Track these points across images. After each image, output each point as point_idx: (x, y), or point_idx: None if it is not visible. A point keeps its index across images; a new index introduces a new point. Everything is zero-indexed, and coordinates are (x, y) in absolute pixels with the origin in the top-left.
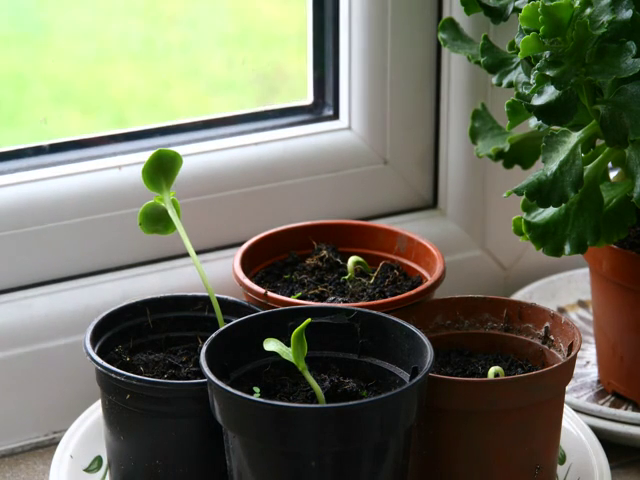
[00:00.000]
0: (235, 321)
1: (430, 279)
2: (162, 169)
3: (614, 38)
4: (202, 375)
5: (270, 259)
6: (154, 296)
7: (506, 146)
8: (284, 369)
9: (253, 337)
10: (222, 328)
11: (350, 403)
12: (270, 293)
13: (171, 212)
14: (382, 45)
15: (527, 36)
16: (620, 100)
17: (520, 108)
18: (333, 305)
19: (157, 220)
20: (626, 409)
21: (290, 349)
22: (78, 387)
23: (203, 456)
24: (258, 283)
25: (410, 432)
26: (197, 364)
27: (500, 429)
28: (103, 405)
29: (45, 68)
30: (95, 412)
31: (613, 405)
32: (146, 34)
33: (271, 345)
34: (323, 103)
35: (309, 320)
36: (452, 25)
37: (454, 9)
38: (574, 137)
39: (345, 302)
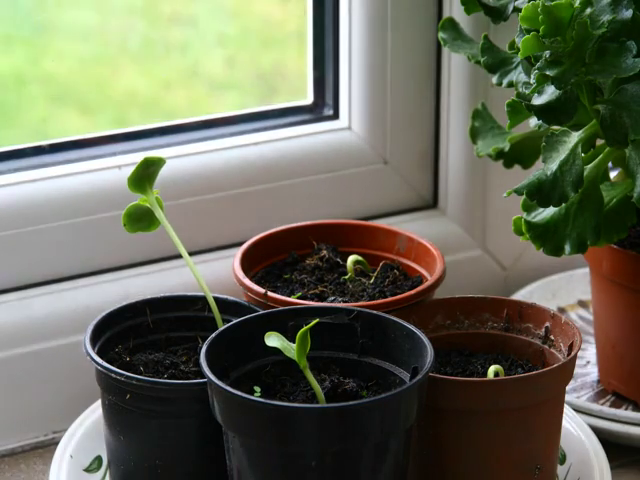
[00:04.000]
0: (235, 321)
1: (430, 279)
2: (146, 173)
3: (614, 38)
4: (202, 375)
5: (270, 259)
6: (154, 296)
7: (506, 146)
8: (284, 369)
9: (253, 337)
10: (222, 328)
11: (350, 403)
12: (270, 293)
13: (158, 212)
14: (382, 45)
15: (527, 36)
16: (620, 100)
17: (520, 108)
18: (333, 305)
19: (140, 219)
20: (626, 409)
21: (291, 345)
22: (78, 387)
23: (203, 456)
24: (258, 283)
25: (410, 432)
26: (197, 364)
27: (500, 429)
28: (103, 405)
29: (45, 68)
30: (95, 412)
31: (613, 405)
32: (146, 34)
33: (273, 340)
34: (323, 103)
35: (317, 320)
36: (452, 25)
37: (454, 9)
38: (574, 137)
39: (345, 302)
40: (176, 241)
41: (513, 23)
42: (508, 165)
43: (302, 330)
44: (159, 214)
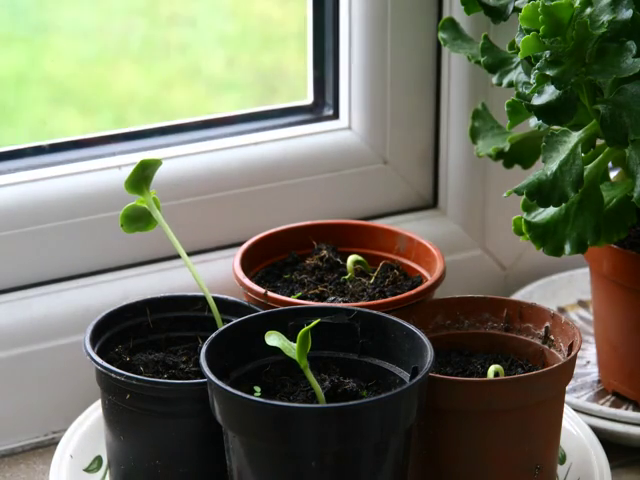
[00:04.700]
0: (235, 321)
1: (430, 279)
2: (143, 175)
3: (614, 38)
4: (202, 375)
5: (270, 259)
6: (154, 296)
7: (506, 146)
8: (284, 369)
9: (253, 337)
10: (222, 328)
11: (350, 403)
12: (270, 293)
13: (155, 213)
14: (382, 45)
15: (527, 36)
16: (620, 100)
17: (520, 108)
18: (333, 305)
19: (137, 219)
20: (626, 409)
21: (292, 345)
22: (78, 387)
23: (203, 456)
24: (258, 283)
25: (410, 432)
26: (197, 364)
27: (500, 429)
28: (103, 405)
29: (45, 68)
30: (95, 412)
31: (613, 405)
32: (146, 34)
33: (273, 339)
34: (323, 103)
35: (318, 320)
36: (452, 25)
37: (454, 9)
38: (574, 137)
39: (345, 302)
40: (174, 241)
41: (513, 23)
42: (508, 165)
43: (303, 330)
44: (156, 215)
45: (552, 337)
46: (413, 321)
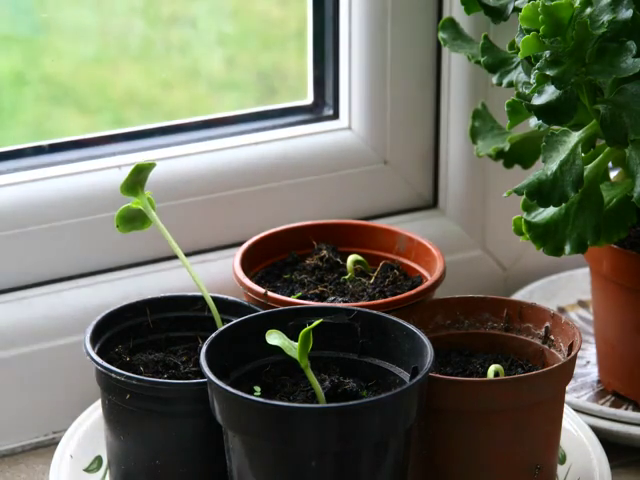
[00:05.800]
0: (235, 321)
1: (430, 279)
2: (138, 178)
3: (614, 38)
4: (202, 375)
5: (270, 259)
6: (154, 296)
7: (506, 146)
8: (284, 369)
9: (253, 337)
10: (222, 328)
11: (350, 403)
12: (270, 293)
13: (151, 214)
14: (382, 45)
15: (527, 36)
16: (620, 100)
17: (520, 108)
18: (333, 305)
19: (133, 219)
20: (626, 409)
21: (292, 344)
22: (78, 387)
23: (203, 456)
24: (258, 283)
25: (410, 432)
26: (197, 364)
27: (500, 429)
28: (103, 405)
29: (44, 68)
30: (95, 412)
31: (613, 405)
32: (146, 34)
33: (274, 338)
34: (323, 103)
35: (320, 320)
36: (452, 25)
37: (454, 9)
38: (574, 137)
39: (345, 302)
40: (170, 241)
41: (513, 23)
42: (508, 165)
43: (305, 329)
44: (152, 215)
45: (552, 337)
46: (413, 321)
